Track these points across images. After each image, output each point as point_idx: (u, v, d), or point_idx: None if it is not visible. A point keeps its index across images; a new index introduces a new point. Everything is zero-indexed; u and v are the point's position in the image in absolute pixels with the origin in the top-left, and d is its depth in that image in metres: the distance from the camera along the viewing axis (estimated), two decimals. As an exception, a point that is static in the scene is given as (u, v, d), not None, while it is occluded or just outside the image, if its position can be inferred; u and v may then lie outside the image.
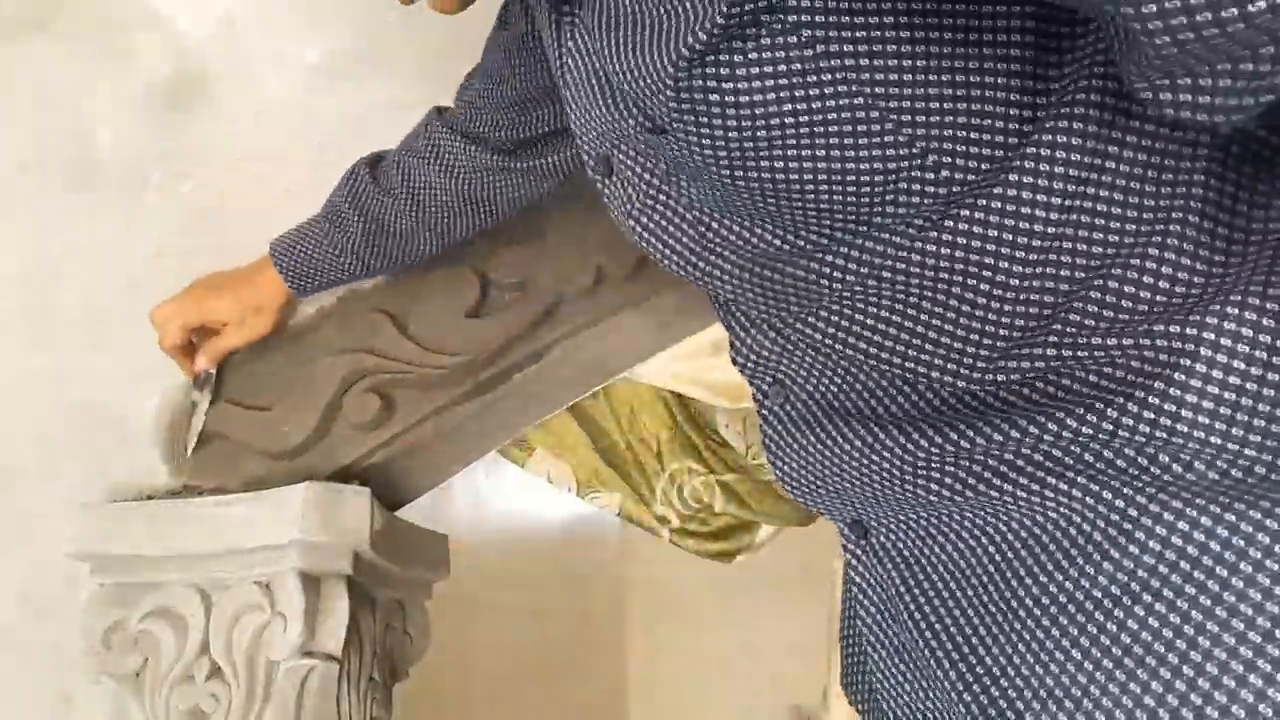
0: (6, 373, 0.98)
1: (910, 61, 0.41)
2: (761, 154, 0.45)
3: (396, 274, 1.01)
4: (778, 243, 0.51)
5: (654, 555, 2.31)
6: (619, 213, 0.58)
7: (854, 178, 0.44)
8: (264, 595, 0.86)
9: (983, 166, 0.43)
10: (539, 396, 1.00)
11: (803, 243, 0.50)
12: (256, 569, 0.87)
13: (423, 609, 1.06)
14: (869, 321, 0.52)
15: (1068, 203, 0.42)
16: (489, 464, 1.41)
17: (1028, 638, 0.45)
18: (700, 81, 0.44)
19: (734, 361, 0.64)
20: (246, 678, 0.85)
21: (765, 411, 0.62)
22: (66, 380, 0.99)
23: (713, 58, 0.43)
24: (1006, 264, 0.45)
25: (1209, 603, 0.39)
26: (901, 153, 0.43)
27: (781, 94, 0.43)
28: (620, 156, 0.56)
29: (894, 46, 0.41)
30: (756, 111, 0.44)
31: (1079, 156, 0.42)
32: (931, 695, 0.53)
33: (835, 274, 0.50)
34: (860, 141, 0.43)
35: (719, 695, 2.68)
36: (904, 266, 0.48)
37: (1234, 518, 0.39)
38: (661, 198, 0.55)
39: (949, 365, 0.49)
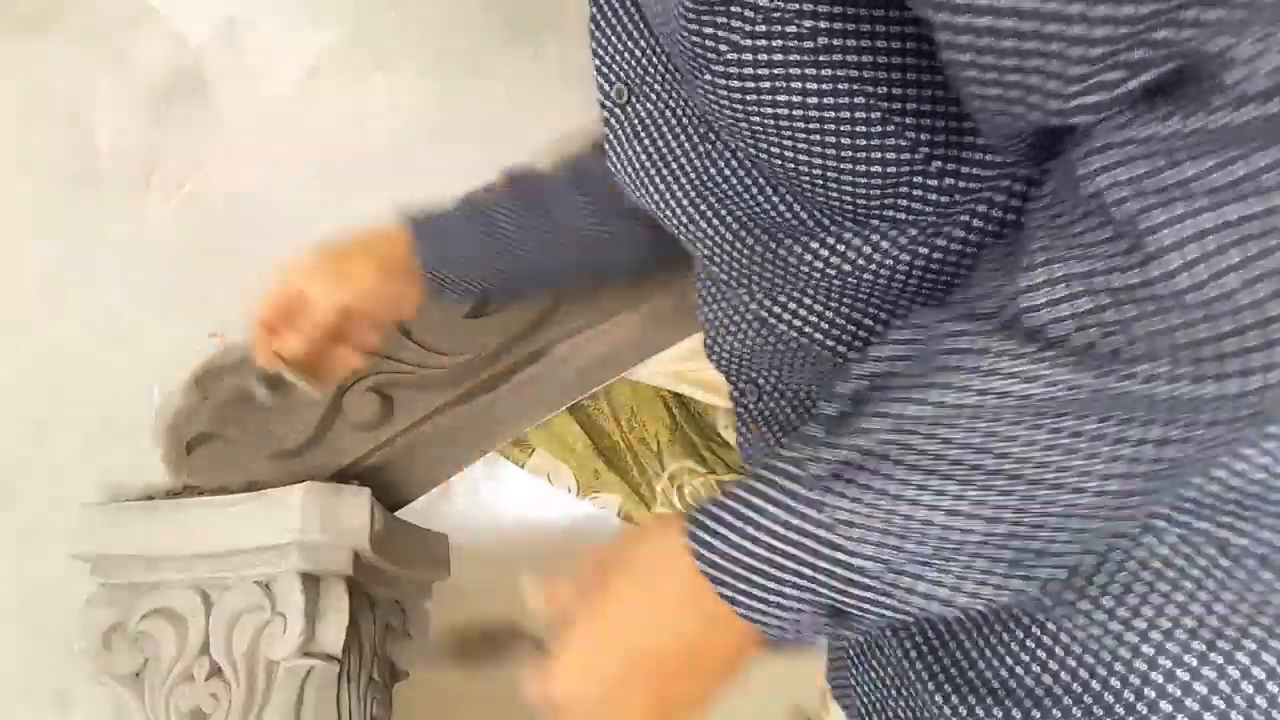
0: (7, 372, 0.98)
1: (915, 60, 0.40)
2: (769, 129, 0.44)
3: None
4: (783, 209, 0.50)
5: (654, 555, 2.30)
6: (625, 142, 0.56)
7: (850, 176, 0.44)
8: (264, 595, 0.86)
9: (986, 174, 0.43)
10: (539, 396, 1.00)
11: (806, 218, 0.49)
12: (257, 569, 0.87)
13: (423, 609, 1.06)
14: (845, 311, 0.51)
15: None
16: (489, 464, 1.41)
17: (999, 649, 0.45)
18: (711, 29, 0.42)
19: (709, 358, 0.62)
20: (246, 678, 0.84)
21: (740, 409, 0.61)
22: (66, 380, 0.99)
23: (723, 7, 0.42)
24: None
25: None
26: (903, 156, 0.42)
27: (793, 82, 0.42)
28: (645, 87, 0.54)
29: (899, 43, 0.40)
30: (763, 85, 0.43)
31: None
32: (903, 694, 0.52)
33: (833, 258, 0.49)
34: (859, 143, 0.43)
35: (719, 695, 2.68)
36: (891, 262, 0.47)
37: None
38: (674, 132, 0.53)
39: None
